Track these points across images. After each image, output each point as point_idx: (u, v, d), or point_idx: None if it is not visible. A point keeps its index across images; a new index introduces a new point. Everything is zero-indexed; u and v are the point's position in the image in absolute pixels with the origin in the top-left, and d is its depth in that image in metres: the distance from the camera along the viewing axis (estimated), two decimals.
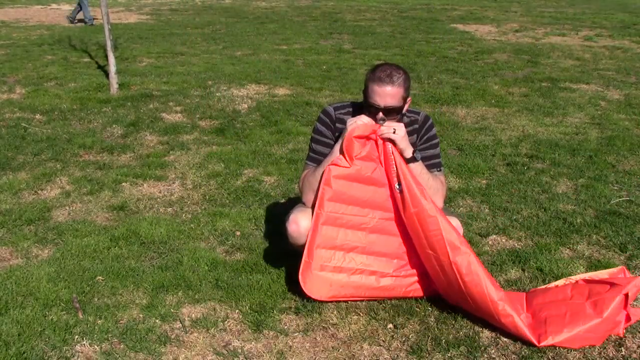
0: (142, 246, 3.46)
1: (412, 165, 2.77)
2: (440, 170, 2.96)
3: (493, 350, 2.58)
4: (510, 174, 4.64)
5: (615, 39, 11.78)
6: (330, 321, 2.78)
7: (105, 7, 6.88)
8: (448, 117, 6.17)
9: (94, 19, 13.26)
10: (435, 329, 2.71)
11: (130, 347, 2.58)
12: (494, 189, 4.33)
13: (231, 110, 6.30)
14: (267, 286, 3.03)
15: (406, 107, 2.83)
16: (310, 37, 11.41)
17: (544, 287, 3.02)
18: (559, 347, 2.56)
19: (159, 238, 3.54)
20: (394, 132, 2.72)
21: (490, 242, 3.56)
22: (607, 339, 2.63)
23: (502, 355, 2.56)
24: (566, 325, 2.57)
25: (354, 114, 2.88)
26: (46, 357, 2.52)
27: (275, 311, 2.84)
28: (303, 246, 2.82)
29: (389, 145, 2.76)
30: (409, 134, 2.83)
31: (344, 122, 2.83)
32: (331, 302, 2.88)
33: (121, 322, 2.76)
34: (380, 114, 2.73)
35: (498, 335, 2.67)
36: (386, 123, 2.73)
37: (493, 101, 6.84)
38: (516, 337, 2.62)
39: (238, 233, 3.64)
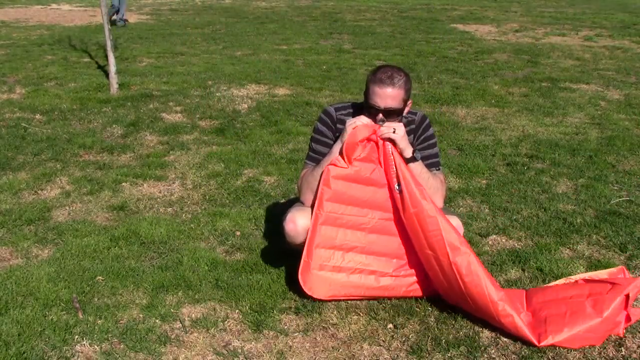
0: (142, 246, 3.46)
1: (412, 165, 2.77)
2: (439, 169, 2.96)
3: (493, 350, 2.59)
4: (510, 174, 4.64)
5: (615, 39, 11.78)
6: (330, 321, 2.78)
7: (105, 7, 6.89)
8: (448, 117, 6.17)
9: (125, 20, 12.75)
10: (435, 329, 2.71)
11: (130, 347, 2.59)
12: (494, 189, 4.33)
13: (231, 110, 6.30)
14: (267, 286, 3.03)
15: (407, 109, 2.84)
16: (310, 37, 11.41)
17: (544, 286, 3.02)
18: (559, 347, 2.56)
19: (159, 238, 3.54)
20: (394, 132, 2.73)
21: (490, 242, 3.56)
22: (607, 339, 2.63)
23: (502, 355, 2.56)
24: (566, 325, 2.57)
25: (355, 114, 2.88)
26: (46, 357, 2.52)
27: (275, 311, 2.84)
28: (300, 245, 2.83)
29: (389, 146, 2.76)
30: (406, 133, 2.83)
31: (344, 123, 2.84)
32: (331, 301, 2.88)
33: (121, 322, 2.76)
34: (380, 115, 2.74)
35: (498, 335, 2.67)
36: (386, 123, 2.74)
37: (493, 101, 6.84)
38: (516, 337, 2.62)
39: (238, 233, 3.64)
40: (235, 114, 6.17)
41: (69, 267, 3.20)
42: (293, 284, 2.96)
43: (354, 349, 2.61)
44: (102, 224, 3.76)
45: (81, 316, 2.78)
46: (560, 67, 8.82)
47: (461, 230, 2.82)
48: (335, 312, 2.84)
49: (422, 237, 2.70)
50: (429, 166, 2.89)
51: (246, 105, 6.51)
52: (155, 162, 4.83)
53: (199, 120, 5.98)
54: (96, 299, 2.93)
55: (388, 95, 2.71)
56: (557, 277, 3.12)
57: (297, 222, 2.83)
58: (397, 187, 2.75)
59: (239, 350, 2.59)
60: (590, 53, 10.10)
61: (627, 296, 2.61)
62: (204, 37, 11.28)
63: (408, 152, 2.77)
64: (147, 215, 3.87)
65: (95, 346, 2.59)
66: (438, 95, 7.01)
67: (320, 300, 2.86)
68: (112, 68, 6.92)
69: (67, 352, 2.55)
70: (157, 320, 2.77)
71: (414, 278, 2.89)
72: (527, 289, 2.96)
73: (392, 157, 2.75)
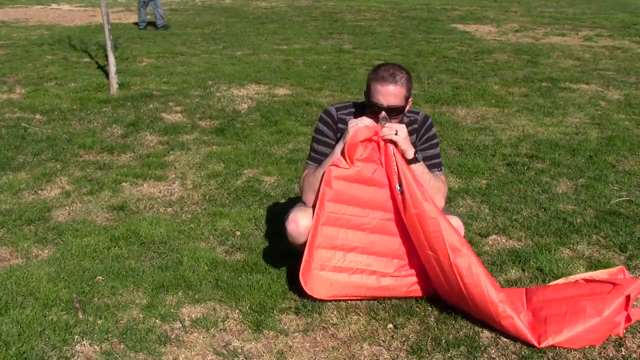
0: (142, 246, 3.46)
1: (413, 166, 2.77)
2: (440, 169, 2.96)
3: (493, 350, 2.58)
4: (510, 174, 4.64)
5: (615, 39, 11.78)
6: (330, 321, 2.78)
7: (105, 7, 6.88)
8: (448, 117, 6.16)
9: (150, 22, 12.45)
10: (435, 329, 2.71)
11: (130, 347, 2.58)
12: (494, 189, 4.33)
13: (231, 110, 6.30)
14: (267, 286, 3.03)
15: (408, 107, 2.84)
16: (310, 37, 11.41)
17: (544, 285, 3.02)
18: (559, 347, 2.56)
19: (159, 238, 3.54)
20: (396, 134, 2.72)
21: (490, 242, 3.56)
22: (607, 339, 2.63)
23: (502, 355, 2.56)
24: (566, 325, 2.57)
25: (356, 114, 2.88)
26: (46, 357, 2.52)
27: (275, 311, 2.84)
28: (302, 245, 2.82)
29: (390, 147, 2.76)
30: (409, 133, 2.83)
31: (345, 123, 2.83)
32: (332, 301, 2.88)
33: (121, 322, 2.76)
34: (383, 113, 2.74)
35: (498, 335, 2.67)
36: (388, 124, 2.74)
37: (493, 101, 6.84)
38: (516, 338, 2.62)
39: (238, 233, 3.64)
40: (235, 114, 6.17)
41: (69, 267, 3.20)
42: (293, 284, 2.96)
43: (354, 349, 2.61)
44: (102, 224, 3.76)
45: (81, 316, 2.78)
46: (560, 67, 8.82)
47: (462, 230, 2.82)
48: (335, 312, 2.84)
49: (423, 238, 2.70)
50: (430, 167, 2.88)
51: (246, 105, 6.51)
52: (155, 162, 4.82)
53: (199, 120, 5.98)
54: (96, 299, 2.93)
55: (390, 93, 2.71)
56: (557, 277, 3.12)
57: (299, 223, 2.83)
58: (399, 188, 2.75)
59: (239, 350, 2.59)
60: (590, 53, 10.10)
61: (628, 297, 2.61)
62: (204, 37, 11.28)
63: (410, 154, 2.77)
64: (147, 215, 3.87)
65: (95, 346, 2.59)
66: (438, 95, 7.01)
67: (320, 300, 2.86)
68: (112, 68, 6.92)
69: (67, 352, 2.55)
70: (157, 320, 2.77)
71: (415, 278, 2.89)
72: (527, 288, 2.96)
73: (393, 158, 2.75)
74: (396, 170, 2.74)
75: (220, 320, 2.79)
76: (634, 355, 2.56)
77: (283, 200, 4.11)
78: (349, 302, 2.90)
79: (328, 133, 2.92)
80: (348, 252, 2.83)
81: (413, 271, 2.88)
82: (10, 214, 3.86)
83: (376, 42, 10.94)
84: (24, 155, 4.95)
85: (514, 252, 3.41)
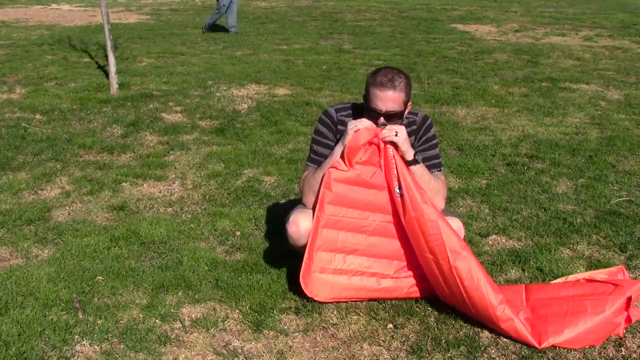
0: (142, 246, 3.46)
1: (413, 167, 2.77)
2: (440, 170, 2.95)
3: (493, 350, 2.59)
4: (510, 174, 4.64)
5: (615, 39, 11.78)
6: (330, 321, 2.78)
7: (105, 7, 6.88)
8: (448, 117, 6.16)
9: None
10: (435, 329, 2.71)
11: (130, 347, 2.59)
12: (494, 189, 4.33)
13: (231, 110, 6.30)
14: (267, 286, 3.03)
15: (407, 111, 2.83)
16: (310, 37, 11.41)
17: (544, 283, 3.02)
18: (559, 347, 2.56)
19: (159, 238, 3.54)
20: (396, 135, 2.72)
21: (490, 242, 3.56)
22: (607, 339, 2.63)
23: (502, 355, 2.56)
24: (567, 326, 2.57)
25: (355, 115, 2.88)
26: (46, 357, 2.52)
27: (275, 311, 2.84)
28: (303, 247, 2.82)
29: (390, 149, 2.75)
30: (408, 134, 2.82)
31: (345, 124, 2.83)
32: (332, 302, 2.88)
33: (121, 322, 2.76)
34: (382, 119, 2.73)
35: (498, 335, 2.66)
36: (388, 126, 2.73)
37: (493, 101, 6.84)
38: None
39: (238, 233, 3.64)
40: (235, 114, 6.17)
41: (69, 267, 3.20)
42: (293, 284, 2.96)
43: (354, 349, 2.61)
44: (102, 224, 3.76)
45: (81, 316, 2.78)
46: (560, 67, 8.82)
47: (462, 232, 2.81)
48: (335, 312, 2.84)
49: (423, 240, 2.69)
50: (430, 167, 2.88)
51: (246, 105, 6.51)
52: (155, 162, 4.83)
53: (199, 120, 5.98)
54: (96, 299, 2.93)
55: (389, 99, 2.69)
56: (557, 277, 3.12)
57: (300, 225, 2.83)
58: (398, 191, 2.74)
59: (239, 350, 2.59)
60: (590, 53, 10.10)
61: (630, 298, 2.61)
62: (204, 37, 11.28)
63: (409, 155, 2.76)
64: (147, 215, 3.87)
65: (95, 346, 2.59)
66: (438, 95, 7.01)
67: (321, 302, 2.86)
68: (112, 68, 6.92)
69: (67, 352, 2.55)
70: (157, 320, 2.77)
71: (415, 279, 2.88)
72: (526, 284, 2.96)
73: (393, 160, 2.74)
74: (395, 173, 2.74)
75: (220, 320, 2.79)
76: (634, 355, 2.56)
77: (283, 200, 4.11)
78: (349, 302, 2.90)
79: (328, 134, 2.92)
80: (348, 254, 2.83)
81: (413, 272, 2.88)
82: (10, 214, 3.86)
83: (376, 42, 10.94)
84: (24, 155, 4.95)
85: (514, 252, 3.41)
